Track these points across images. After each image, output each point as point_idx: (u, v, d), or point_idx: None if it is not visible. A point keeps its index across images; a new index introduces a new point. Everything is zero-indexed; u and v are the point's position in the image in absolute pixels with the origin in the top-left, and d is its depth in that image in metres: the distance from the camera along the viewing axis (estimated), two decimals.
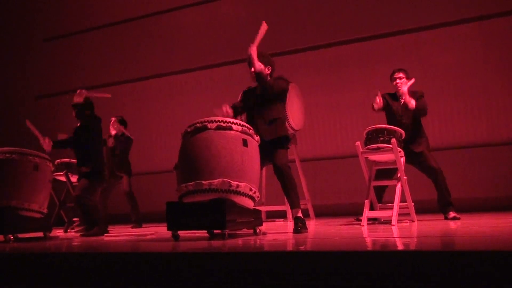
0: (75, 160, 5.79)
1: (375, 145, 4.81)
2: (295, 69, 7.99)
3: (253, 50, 4.31)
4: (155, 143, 9.23)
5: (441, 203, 5.26)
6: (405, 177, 4.87)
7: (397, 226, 4.57)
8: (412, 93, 5.38)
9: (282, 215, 6.72)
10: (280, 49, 8.07)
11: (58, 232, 6.13)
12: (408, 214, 5.00)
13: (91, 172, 5.42)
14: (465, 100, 7.19)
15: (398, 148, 4.74)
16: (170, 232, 3.89)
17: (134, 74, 9.52)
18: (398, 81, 5.35)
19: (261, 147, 4.17)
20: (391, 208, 4.80)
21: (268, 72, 4.51)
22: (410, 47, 7.49)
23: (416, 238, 3.48)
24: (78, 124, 5.57)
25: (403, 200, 4.91)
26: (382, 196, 5.35)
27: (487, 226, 4.13)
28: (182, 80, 9.21)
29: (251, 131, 4.00)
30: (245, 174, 3.83)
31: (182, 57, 9.12)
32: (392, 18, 7.59)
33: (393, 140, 4.70)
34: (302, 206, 4.44)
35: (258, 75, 4.37)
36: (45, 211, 5.03)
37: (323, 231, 4.48)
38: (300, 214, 4.24)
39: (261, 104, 4.45)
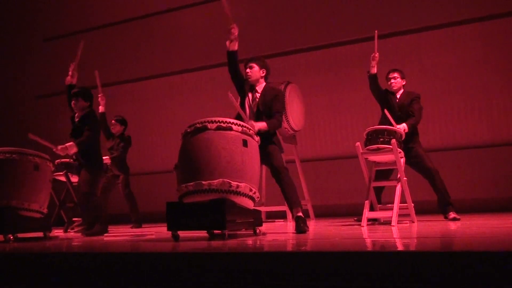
0: (75, 161, 5.78)
1: (375, 146, 4.81)
2: (295, 69, 8.00)
3: (254, 126, 4.23)
4: (155, 143, 9.23)
5: (441, 204, 5.27)
6: (405, 178, 4.87)
7: (397, 226, 4.57)
8: (407, 93, 5.42)
9: (282, 215, 6.73)
10: (280, 49, 8.08)
11: (58, 232, 6.13)
12: (408, 215, 5.01)
13: (91, 163, 5.41)
14: (465, 101, 7.20)
15: (398, 149, 4.74)
16: (170, 232, 3.89)
17: (134, 74, 9.52)
18: (392, 81, 5.48)
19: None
20: (391, 209, 4.80)
21: (263, 74, 4.55)
22: (411, 47, 7.50)
23: (416, 239, 3.47)
24: (77, 114, 5.56)
25: (403, 200, 4.91)
26: (380, 197, 5.35)
27: (487, 227, 4.13)
28: (182, 80, 9.22)
29: (251, 132, 4.01)
30: (245, 174, 3.83)
31: (182, 57, 9.12)
32: (392, 19, 7.59)
33: (393, 141, 4.71)
34: (302, 207, 4.44)
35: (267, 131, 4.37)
36: (45, 211, 5.03)
37: (323, 232, 4.48)
38: (300, 214, 4.25)
39: (259, 115, 4.46)
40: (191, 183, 3.76)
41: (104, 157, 6.53)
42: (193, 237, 4.14)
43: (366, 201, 4.87)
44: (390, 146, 4.71)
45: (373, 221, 5.27)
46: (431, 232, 3.91)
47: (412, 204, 4.95)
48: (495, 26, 7.09)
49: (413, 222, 4.92)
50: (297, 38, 8.18)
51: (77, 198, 6.10)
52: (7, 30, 10.67)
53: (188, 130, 3.94)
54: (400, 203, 4.85)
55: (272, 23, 8.24)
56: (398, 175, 4.89)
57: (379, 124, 5.27)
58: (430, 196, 5.41)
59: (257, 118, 4.42)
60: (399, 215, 4.85)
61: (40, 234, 4.97)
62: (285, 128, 6.51)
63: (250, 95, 4.54)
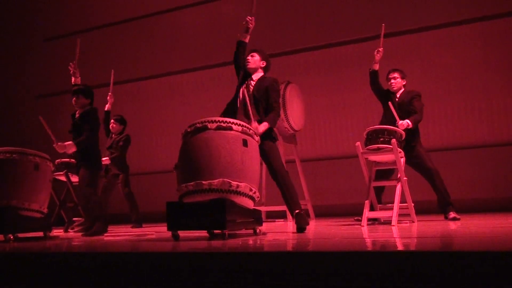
0: (75, 161, 5.78)
1: (375, 146, 4.81)
2: (295, 69, 8.00)
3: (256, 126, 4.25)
4: (155, 143, 9.23)
5: (441, 204, 5.27)
6: (405, 178, 4.87)
7: (397, 226, 4.57)
8: (407, 92, 5.42)
9: (282, 215, 6.73)
10: (280, 49, 8.08)
11: (58, 232, 6.13)
12: (408, 215, 5.01)
13: (90, 162, 5.41)
14: (465, 101, 7.20)
15: (398, 149, 4.74)
16: (170, 232, 3.89)
17: (134, 74, 9.52)
18: (392, 81, 5.49)
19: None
20: (391, 209, 4.80)
21: (263, 65, 4.57)
22: (411, 47, 7.50)
23: (416, 239, 3.47)
24: (77, 112, 5.57)
25: (403, 200, 4.91)
26: (380, 197, 5.35)
27: (487, 227, 4.13)
28: (182, 80, 9.22)
29: (251, 131, 4.01)
30: (245, 174, 3.83)
31: (182, 57, 9.12)
32: (392, 19, 7.58)
33: (393, 140, 4.70)
34: (302, 207, 4.44)
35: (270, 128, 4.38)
36: (45, 210, 5.03)
37: (323, 232, 4.48)
38: (299, 211, 4.24)
39: (255, 104, 4.43)
40: (191, 183, 3.76)
41: (104, 158, 6.55)
42: (193, 237, 4.14)
43: (366, 201, 4.87)
44: (390, 146, 4.71)
45: (373, 221, 5.27)
46: (431, 232, 3.91)
47: (412, 204, 4.95)
48: (495, 26, 7.09)
49: (413, 222, 4.92)
50: (297, 38, 8.18)
51: (77, 197, 6.09)
52: (7, 30, 10.67)
53: (188, 130, 3.94)
54: (400, 203, 4.85)
55: (272, 23, 8.24)
56: (398, 175, 4.89)
57: (381, 123, 5.27)
58: (430, 196, 5.41)
59: (254, 106, 4.39)
60: (399, 215, 4.85)
61: (40, 234, 4.97)
62: (285, 128, 6.52)
63: (245, 84, 4.52)
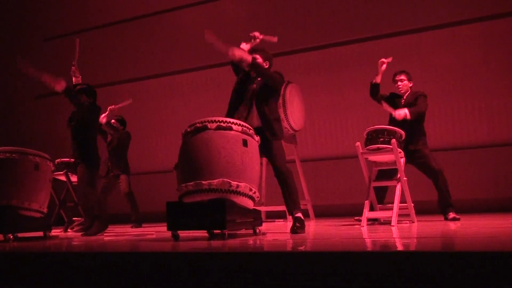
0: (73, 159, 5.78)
1: (375, 146, 4.81)
2: (295, 69, 7.99)
3: (236, 52, 4.22)
4: (155, 143, 9.23)
5: (441, 204, 5.27)
6: (405, 178, 4.87)
7: (396, 226, 4.57)
8: (413, 93, 5.39)
9: (281, 215, 6.72)
10: (280, 49, 8.04)
11: (58, 232, 6.13)
12: (408, 215, 5.00)
13: (88, 161, 5.40)
14: (465, 101, 7.19)
15: (398, 149, 4.74)
16: (170, 232, 3.89)
17: (134, 74, 9.51)
18: (399, 83, 5.41)
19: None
20: (391, 209, 4.80)
21: (266, 66, 4.47)
22: (411, 47, 7.49)
23: (416, 239, 3.48)
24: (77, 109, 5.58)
25: (403, 200, 4.91)
26: (384, 197, 5.34)
27: (487, 227, 4.13)
28: (182, 80, 9.21)
29: (251, 131, 4.00)
30: (245, 174, 3.83)
31: (182, 57, 9.11)
32: (392, 19, 7.58)
33: (393, 140, 4.70)
34: (302, 207, 4.44)
35: (254, 66, 4.27)
36: (45, 210, 5.03)
37: (323, 232, 4.48)
38: (299, 215, 4.23)
39: (258, 99, 4.38)
40: (191, 183, 3.76)
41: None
42: (193, 237, 4.14)
43: (366, 201, 4.87)
44: (390, 146, 4.71)
45: (373, 221, 5.27)
46: (431, 232, 3.91)
47: (412, 204, 4.95)
48: (495, 26, 7.09)
49: (413, 222, 4.92)
50: (297, 38, 8.18)
51: (77, 197, 6.09)
52: (7, 30, 10.66)
53: (188, 129, 3.94)
54: (400, 203, 4.85)
55: (272, 23, 8.23)
56: (398, 175, 4.89)
57: (388, 125, 5.24)
58: (430, 196, 5.41)
59: (258, 104, 4.37)
60: (399, 215, 4.85)
61: (40, 233, 4.97)
62: (285, 128, 6.51)
63: (250, 85, 4.47)
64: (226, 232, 3.70)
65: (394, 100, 5.40)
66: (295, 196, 4.30)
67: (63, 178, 6.93)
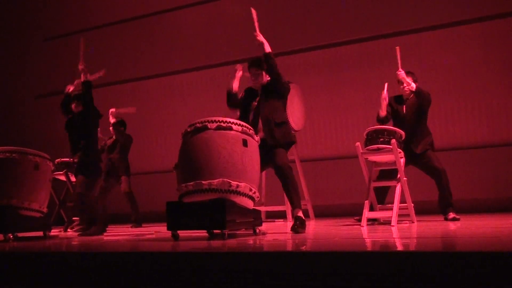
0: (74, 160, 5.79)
1: (375, 146, 4.81)
2: (295, 69, 7.99)
3: (260, 36, 4.40)
4: (155, 143, 9.22)
5: (441, 204, 5.27)
6: (405, 178, 4.87)
7: (396, 226, 4.57)
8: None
9: (281, 215, 6.72)
10: (280, 49, 8.04)
11: (58, 232, 6.13)
12: (408, 215, 5.00)
13: (89, 167, 5.41)
14: (465, 101, 7.19)
15: (398, 149, 4.74)
16: (170, 231, 3.89)
17: (134, 74, 9.51)
18: (405, 84, 5.39)
19: (261, 147, 4.17)
20: (391, 209, 4.80)
21: (268, 78, 4.55)
22: (411, 48, 7.48)
23: (416, 239, 3.48)
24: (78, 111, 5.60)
25: (403, 201, 4.91)
26: (385, 197, 5.34)
27: (487, 227, 4.13)
28: (182, 80, 9.21)
29: (251, 131, 4.01)
30: (245, 174, 3.83)
31: (182, 57, 9.11)
32: (392, 19, 7.58)
33: (393, 141, 4.70)
34: (302, 207, 4.44)
35: (268, 57, 4.43)
36: (45, 210, 5.03)
37: (323, 232, 4.48)
38: (300, 214, 4.25)
39: (265, 105, 4.43)
40: (191, 183, 3.76)
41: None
42: (193, 236, 4.14)
43: (366, 201, 4.87)
44: (390, 146, 4.71)
45: (372, 221, 5.27)
46: (431, 232, 3.91)
47: (412, 204, 4.95)
48: (495, 26, 7.08)
49: (413, 222, 4.92)
50: (297, 38, 8.18)
51: (72, 199, 6.10)
52: (7, 30, 10.66)
53: (188, 129, 3.94)
54: (400, 203, 4.85)
55: (272, 23, 8.23)
56: (398, 175, 4.89)
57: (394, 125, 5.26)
58: (430, 197, 5.41)
59: (267, 106, 4.42)
60: (399, 215, 4.85)
61: (40, 233, 4.98)
62: None
63: (258, 99, 4.53)
64: (226, 232, 3.70)
65: (397, 108, 5.42)
66: (296, 193, 4.31)
67: (63, 178, 6.94)
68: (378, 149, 4.81)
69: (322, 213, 7.13)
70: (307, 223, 4.35)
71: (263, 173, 6.57)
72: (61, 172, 6.87)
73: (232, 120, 3.92)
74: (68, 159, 6.85)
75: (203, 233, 4.11)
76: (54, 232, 5.62)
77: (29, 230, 4.91)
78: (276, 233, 4.51)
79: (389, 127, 4.95)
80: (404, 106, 5.43)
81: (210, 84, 8.82)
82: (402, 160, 4.88)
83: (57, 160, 6.80)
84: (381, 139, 4.78)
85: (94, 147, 5.65)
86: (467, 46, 7.21)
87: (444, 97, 7.19)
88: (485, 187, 6.84)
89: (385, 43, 7.60)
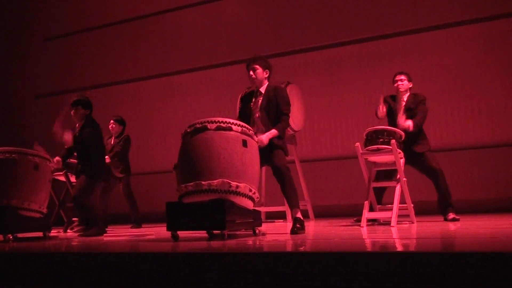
0: (75, 160, 5.79)
1: (375, 146, 4.81)
2: (295, 69, 7.99)
3: (263, 140, 4.27)
4: (155, 143, 9.22)
5: (441, 204, 5.27)
6: (404, 179, 4.87)
7: (396, 227, 4.57)
8: (413, 96, 5.40)
9: (281, 216, 6.72)
10: (280, 50, 8.07)
11: (58, 232, 6.13)
12: (408, 216, 5.00)
13: (90, 170, 5.42)
14: (465, 102, 7.19)
15: (398, 150, 4.74)
16: (170, 232, 3.89)
17: (134, 74, 9.52)
18: (399, 83, 5.43)
19: (260, 149, 4.17)
20: (391, 209, 4.80)
21: (266, 75, 4.57)
22: (411, 48, 7.49)
23: (416, 240, 3.48)
24: (77, 125, 5.60)
25: (402, 201, 4.91)
26: (381, 198, 5.34)
27: (487, 228, 4.13)
28: (182, 80, 9.21)
29: (251, 132, 4.01)
30: (244, 174, 3.83)
31: (182, 57, 9.11)
32: (392, 19, 7.58)
33: (393, 141, 4.70)
34: (301, 207, 4.44)
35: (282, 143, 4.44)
36: (45, 210, 5.03)
37: (322, 232, 4.48)
38: (299, 215, 4.24)
39: (264, 113, 4.45)
40: (190, 183, 3.76)
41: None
42: (193, 237, 4.14)
43: (365, 202, 4.87)
44: (390, 147, 4.71)
45: (372, 221, 5.27)
46: (431, 233, 3.91)
47: (412, 205, 4.95)
48: (495, 27, 7.09)
49: (413, 222, 4.92)
50: (297, 38, 8.18)
51: (71, 199, 6.10)
52: (7, 30, 10.66)
53: (188, 130, 3.94)
54: (400, 203, 4.84)
55: (272, 23, 8.24)
56: (398, 176, 4.89)
57: (389, 125, 5.26)
58: (430, 197, 5.41)
59: (263, 120, 4.43)
60: (399, 216, 4.85)
61: (40, 234, 4.97)
62: None
63: (253, 100, 4.54)
64: (226, 233, 3.70)
65: (391, 104, 5.42)
66: (294, 194, 4.31)
67: (63, 178, 6.93)
68: (378, 150, 4.81)
69: (321, 214, 7.13)
70: (306, 223, 4.35)
71: (263, 173, 6.58)
72: (61, 173, 6.86)
73: (231, 121, 3.92)
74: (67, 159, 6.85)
75: (203, 233, 4.11)
76: (54, 232, 5.61)
77: (29, 231, 4.90)
78: (276, 233, 4.51)
79: (389, 127, 4.95)
80: (403, 103, 5.41)
81: (210, 84, 8.82)
82: (402, 161, 4.88)
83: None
84: (381, 140, 4.78)
85: (101, 152, 5.68)
86: (467, 47, 7.21)
87: (444, 97, 7.20)
88: (485, 187, 6.84)
89: (385, 43, 7.61)
